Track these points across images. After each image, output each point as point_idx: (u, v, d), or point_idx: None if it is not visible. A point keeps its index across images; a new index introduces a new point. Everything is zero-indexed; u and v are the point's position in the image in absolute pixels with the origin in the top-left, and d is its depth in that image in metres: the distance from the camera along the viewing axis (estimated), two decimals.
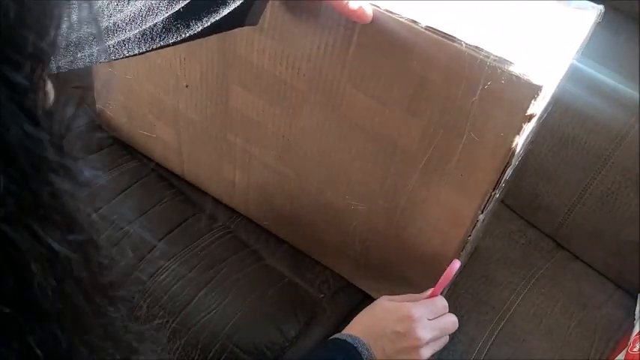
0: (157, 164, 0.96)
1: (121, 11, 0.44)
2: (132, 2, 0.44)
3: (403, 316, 0.65)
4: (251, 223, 0.91)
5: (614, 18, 0.87)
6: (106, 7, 0.43)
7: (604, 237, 0.91)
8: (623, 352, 0.79)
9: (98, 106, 0.97)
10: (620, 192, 0.88)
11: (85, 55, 0.46)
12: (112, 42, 0.46)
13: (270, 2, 0.58)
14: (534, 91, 0.53)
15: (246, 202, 0.90)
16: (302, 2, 0.59)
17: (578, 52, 0.62)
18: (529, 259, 0.93)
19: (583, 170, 0.90)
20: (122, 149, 0.97)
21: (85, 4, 0.41)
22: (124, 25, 0.45)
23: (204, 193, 0.94)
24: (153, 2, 0.45)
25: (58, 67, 0.44)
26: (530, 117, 0.55)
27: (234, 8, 0.51)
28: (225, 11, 0.51)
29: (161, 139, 0.92)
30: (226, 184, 0.89)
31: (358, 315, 0.69)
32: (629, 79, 0.87)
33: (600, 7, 0.64)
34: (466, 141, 0.60)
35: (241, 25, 0.54)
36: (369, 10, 0.56)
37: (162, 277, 0.83)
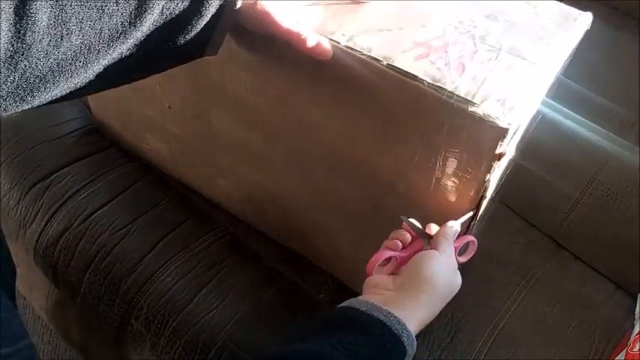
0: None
1: (57, 48, 0.43)
2: (65, 38, 0.43)
3: (457, 285, 0.57)
4: (251, 225, 0.91)
5: (615, 18, 0.87)
6: (39, 43, 0.41)
7: (604, 237, 0.91)
8: (623, 352, 0.79)
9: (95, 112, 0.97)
10: (620, 192, 0.88)
11: (51, 95, 0.45)
12: (62, 84, 0.45)
13: (235, 34, 0.57)
14: (501, 133, 0.51)
15: (243, 211, 0.90)
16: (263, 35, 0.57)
17: (562, 69, 0.60)
18: (529, 259, 0.92)
19: (583, 170, 0.90)
20: (119, 151, 0.97)
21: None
22: (67, 64, 0.44)
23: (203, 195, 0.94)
24: (92, 40, 0.44)
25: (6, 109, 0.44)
26: (500, 156, 0.53)
27: (193, 38, 0.51)
28: (175, 48, 0.50)
29: (155, 149, 0.92)
30: (221, 194, 0.90)
31: (404, 289, 0.54)
32: (629, 79, 0.87)
33: (588, 15, 0.62)
34: (439, 174, 0.58)
35: (201, 56, 0.54)
36: (327, 45, 0.55)
37: (162, 278, 0.83)
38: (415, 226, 0.58)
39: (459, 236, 0.60)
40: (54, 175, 0.93)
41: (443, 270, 0.55)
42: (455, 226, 0.58)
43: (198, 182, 0.92)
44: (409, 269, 0.55)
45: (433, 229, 0.59)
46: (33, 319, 1.25)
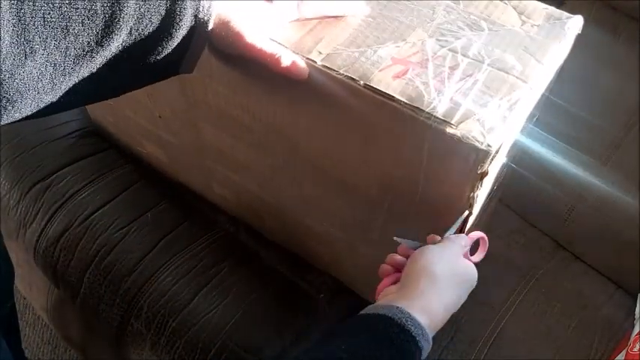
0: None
1: (22, 67, 0.42)
2: (29, 57, 0.42)
3: (474, 281, 0.55)
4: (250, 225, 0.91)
5: (614, 18, 0.87)
6: (2, 63, 0.41)
7: (604, 237, 0.91)
8: (624, 352, 0.79)
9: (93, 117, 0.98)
10: (619, 192, 0.88)
11: (20, 114, 0.45)
12: (30, 102, 0.45)
13: (214, 52, 0.56)
14: (481, 155, 0.49)
15: (241, 214, 0.90)
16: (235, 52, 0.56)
17: (551, 82, 0.58)
18: (529, 259, 0.92)
19: (583, 170, 0.90)
20: (119, 152, 0.97)
21: None
22: (33, 83, 0.43)
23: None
24: (57, 59, 0.44)
25: None
26: (483, 175, 0.51)
27: (165, 58, 0.50)
28: (147, 67, 0.50)
29: (152, 154, 0.92)
30: (219, 199, 0.90)
31: (413, 287, 0.51)
32: (629, 79, 0.87)
33: (579, 18, 0.59)
34: (422, 193, 0.57)
35: (176, 73, 0.53)
36: (303, 65, 0.54)
37: (162, 277, 0.84)
38: (412, 243, 0.57)
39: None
40: (54, 176, 0.93)
41: (440, 257, 0.53)
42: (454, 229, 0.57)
43: (196, 186, 0.92)
44: (406, 268, 0.54)
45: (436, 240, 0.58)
46: (33, 319, 1.25)
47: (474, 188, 0.53)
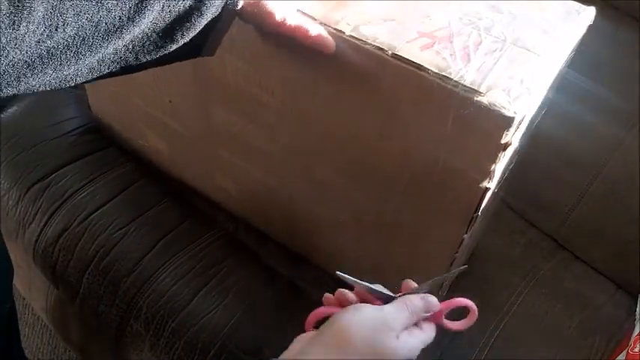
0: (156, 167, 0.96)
1: (50, 37, 0.42)
2: (60, 29, 0.42)
3: (389, 348, 0.48)
4: (250, 224, 0.91)
5: (614, 18, 0.87)
6: (32, 33, 0.41)
7: (605, 237, 0.91)
8: (624, 353, 0.79)
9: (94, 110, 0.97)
10: (620, 192, 0.88)
11: (38, 82, 0.44)
12: (50, 72, 0.44)
13: (237, 26, 0.56)
14: (506, 122, 0.51)
15: (243, 210, 0.90)
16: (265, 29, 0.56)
17: (566, 62, 0.60)
18: (530, 259, 0.92)
19: (584, 170, 0.90)
20: (118, 150, 0.97)
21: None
22: (58, 53, 0.43)
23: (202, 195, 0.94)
24: (87, 33, 0.44)
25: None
26: (506, 146, 0.53)
27: (191, 38, 0.50)
28: (173, 47, 0.50)
29: (155, 147, 0.92)
30: (222, 193, 0.89)
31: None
32: (629, 79, 0.86)
33: (592, 10, 0.62)
34: (442, 168, 0.58)
35: (199, 56, 0.54)
36: (330, 38, 0.54)
37: (161, 278, 0.83)
38: (352, 280, 0.52)
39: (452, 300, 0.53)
40: (53, 175, 0.93)
41: (364, 325, 0.47)
42: (422, 291, 0.52)
43: (197, 182, 0.92)
44: (333, 316, 0.49)
45: (411, 285, 0.53)
46: (32, 320, 1.25)
47: (495, 159, 0.54)
